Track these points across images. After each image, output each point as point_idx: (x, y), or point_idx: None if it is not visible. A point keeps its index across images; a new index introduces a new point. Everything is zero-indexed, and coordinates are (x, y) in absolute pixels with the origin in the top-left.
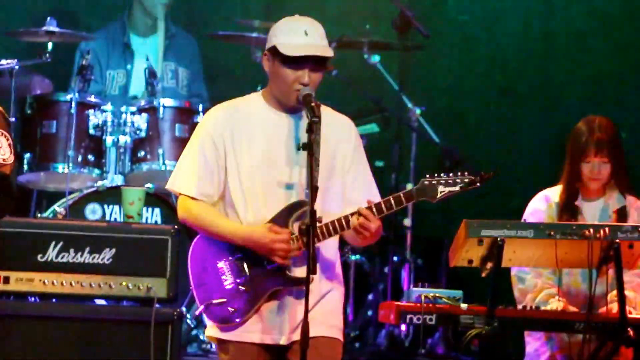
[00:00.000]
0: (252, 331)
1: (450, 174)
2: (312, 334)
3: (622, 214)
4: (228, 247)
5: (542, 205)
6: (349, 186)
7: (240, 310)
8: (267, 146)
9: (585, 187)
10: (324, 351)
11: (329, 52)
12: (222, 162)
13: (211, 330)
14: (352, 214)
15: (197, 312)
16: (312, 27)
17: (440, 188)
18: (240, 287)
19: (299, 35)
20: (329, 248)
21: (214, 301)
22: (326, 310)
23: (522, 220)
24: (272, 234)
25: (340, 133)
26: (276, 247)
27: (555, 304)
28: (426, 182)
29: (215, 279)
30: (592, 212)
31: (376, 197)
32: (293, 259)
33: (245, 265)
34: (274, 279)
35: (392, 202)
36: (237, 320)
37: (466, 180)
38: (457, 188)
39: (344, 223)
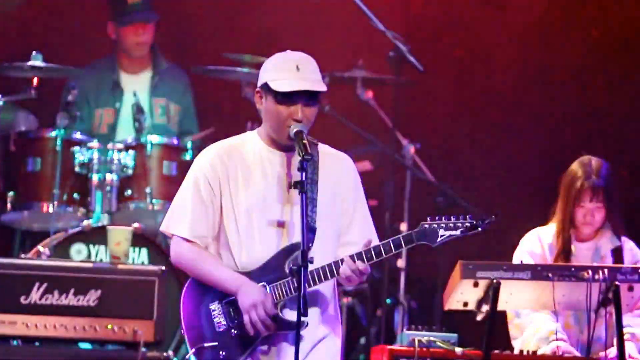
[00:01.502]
0: None
1: (452, 217)
2: None
3: (618, 253)
4: (221, 289)
5: (537, 247)
6: (347, 227)
7: (232, 354)
8: (262, 185)
9: (578, 231)
10: None
11: (321, 87)
12: (218, 203)
13: None
14: (340, 262)
15: (187, 356)
16: (303, 62)
17: (441, 232)
18: (232, 330)
19: (291, 70)
20: (325, 290)
21: (206, 344)
22: (321, 357)
23: (516, 259)
24: (265, 298)
25: (339, 172)
26: (259, 309)
27: (555, 344)
28: (426, 226)
29: (207, 322)
30: (583, 253)
31: (374, 238)
32: (289, 301)
33: (238, 309)
34: None
35: (391, 245)
36: None
37: (467, 224)
38: (457, 232)
39: (333, 269)
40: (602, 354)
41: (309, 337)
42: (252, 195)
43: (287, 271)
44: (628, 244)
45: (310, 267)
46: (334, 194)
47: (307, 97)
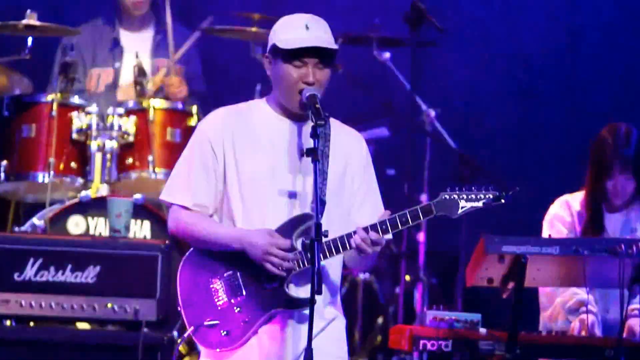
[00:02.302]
0: (249, 358)
1: (473, 188)
2: None
3: None
4: (223, 263)
5: (566, 214)
6: (356, 208)
7: (235, 333)
8: (270, 154)
9: (609, 202)
10: None
11: (332, 45)
12: (221, 171)
13: (203, 355)
14: (354, 233)
15: (185, 335)
16: (313, 21)
17: (462, 203)
18: (235, 307)
19: (300, 29)
20: (333, 270)
21: (206, 322)
22: (332, 338)
23: (545, 233)
24: (272, 238)
25: (350, 148)
26: (273, 251)
27: (584, 316)
28: (446, 196)
29: (208, 298)
30: (613, 224)
31: (384, 215)
32: (295, 277)
33: (241, 283)
34: (273, 299)
35: (408, 216)
36: (232, 345)
37: (490, 195)
38: (479, 204)
39: (345, 242)
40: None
41: (317, 317)
42: (259, 163)
43: (294, 243)
44: None
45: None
46: (344, 170)
47: (319, 57)
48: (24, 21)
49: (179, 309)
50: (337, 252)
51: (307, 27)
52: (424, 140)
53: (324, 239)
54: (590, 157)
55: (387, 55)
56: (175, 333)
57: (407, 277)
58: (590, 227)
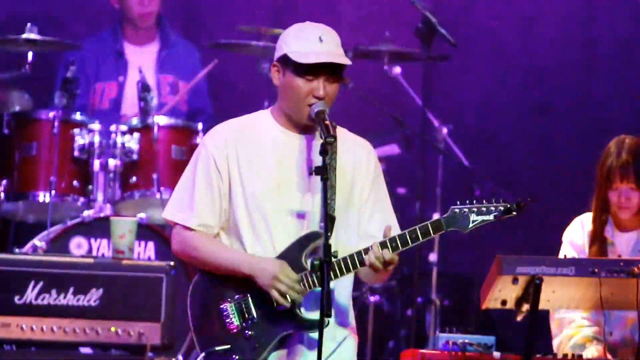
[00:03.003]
0: None
1: (484, 201)
2: None
3: None
4: (233, 286)
5: (579, 235)
6: (366, 218)
7: (246, 358)
8: (276, 170)
9: (617, 217)
10: None
11: (346, 60)
12: (226, 189)
13: None
14: (364, 251)
15: None
16: (326, 33)
17: (473, 217)
18: (246, 331)
19: (313, 41)
20: (343, 289)
21: (217, 348)
22: (342, 359)
23: (561, 253)
24: (283, 267)
25: (358, 159)
26: (281, 278)
27: (594, 349)
28: (456, 210)
29: (219, 323)
30: (625, 244)
31: (395, 228)
32: (305, 299)
33: (252, 307)
34: (283, 322)
35: (418, 232)
36: None
37: (501, 208)
38: (491, 217)
39: (356, 260)
40: None
41: (328, 339)
42: (265, 181)
43: (304, 263)
44: None
45: (342, 256)
46: (352, 181)
47: (330, 71)
48: (24, 35)
49: (190, 334)
50: (349, 270)
51: (320, 40)
52: (436, 158)
53: (334, 259)
54: (597, 170)
55: (397, 69)
56: (180, 357)
57: (419, 299)
58: (595, 243)
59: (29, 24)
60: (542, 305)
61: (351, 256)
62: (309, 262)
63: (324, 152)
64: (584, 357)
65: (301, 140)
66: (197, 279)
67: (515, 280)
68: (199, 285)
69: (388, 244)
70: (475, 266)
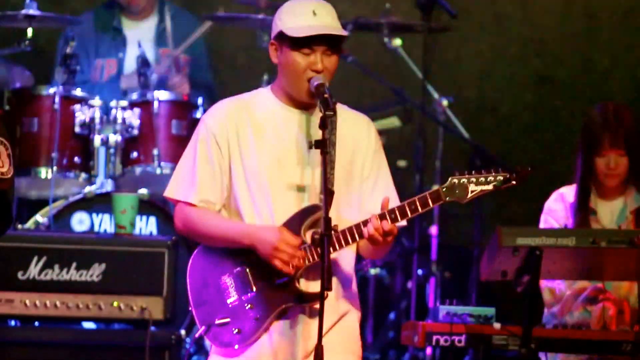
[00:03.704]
0: (260, 356)
1: (483, 171)
2: None
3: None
4: (231, 259)
5: (558, 205)
6: (367, 195)
7: (247, 331)
8: (276, 146)
9: (601, 185)
10: None
11: (342, 32)
12: (226, 165)
13: (215, 357)
14: (364, 223)
15: (196, 335)
16: (320, 7)
17: (472, 187)
18: (246, 304)
19: (307, 15)
20: (345, 261)
21: (217, 321)
22: (344, 334)
23: (541, 225)
24: (282, 234)
25: (358, 134)
26: (281, 247)
27: (604, 308)
28: (455, 181)
29: (218, 296)
30: (609, 213)
31: (395, 203)
32: (305, 271)
33: (251, 279)
34: (283, 294)
35: (418, 204)
36: (243, 342)
37: (500, 177)
38: (490, 187)
39: (355, 232)
40: None
41: (329, 312)
42: (265, 156)
43: (303, 236)
44: None
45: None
46: (352, 157)
47: (327, 45)
48: (24, 11)
49: (190, 308)
50: (348, 243)
51: (314, 13)
52: (436, 130)
53: (334, 232)
54: (580, 138)
55: (398, 42)
56: (182, 331)
57: (419, 272)
58: (581, 212)
59: (27, 0)
60: (543, 276)
61: (350, 229)
62: (309, 234)
63: (323, 125)
64: (592, 315)
65: (301, 116)
66: (195, 255)
67: (515, 252)
68: (197, 260)
69: (387, 216)
70: (475, 238)
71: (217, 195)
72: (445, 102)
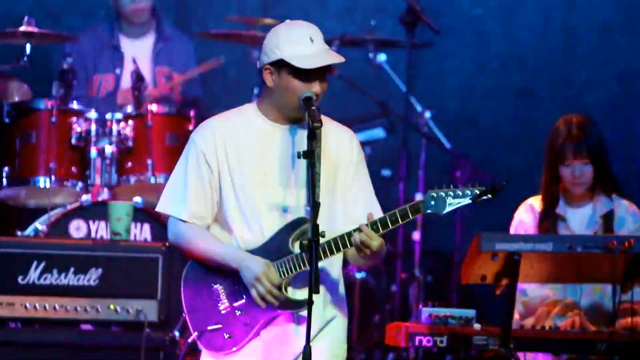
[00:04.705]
0: (250, 357)
1: (459, 185)
2: None
3: (608, 219)
4: (223, 270)
5: (528, 216)
6: (351, 203)
7: (237, 336)
8: (264, 161)
9: (569, 193)
10: None
11: (341, 58)
12: (216, 182)
13: (206, 356)
14: (354, 231)
15: (189, 340)
16: (314, 33)
17: (449, 200)
18: (236, 311)
19: (305, 43)
20: (332, 268)
21: (209, 327)
22: (331, 338)
23: (511, 231)
24: (267, 269)
25: (341, 145)
26: (262, 280)
27: (572, 318)
28: (433, 194)
29: (210, 303)
30: (579, 219)
31: (378, 213)
32: (293, 279)
33: (242, 288)
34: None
35: (398, 215)
36: (234, 347)
37: (476, 191)
38: (467, 200)
39: (346, 240)
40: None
41: (316, 318)
42: (252, 173)
43: (290, 247)
44: (631, 208)
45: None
46: (335, 168)
47: (323, 70)
48: (22, 28)
49: (184, 315)
50: (337, 251)
51: (311, 40)
52: (419, 141)
53: (321, 239)
54: (546, 149)
55: (382, 57)
56: (177, 333)
57: (403, 275)
58: (548, 220)
59: (26, 17)
60: (521, 280)
61: (340, 237)
62: (296, 245)
63: (311, 136)
64: (562, 327)
65: (287, 131)
66: (190, 264)
67: (494, 256)
68: (191, 269)
69: (369, 227)
70: (456, 244)
71: (207, 210)
72: (427, 114)
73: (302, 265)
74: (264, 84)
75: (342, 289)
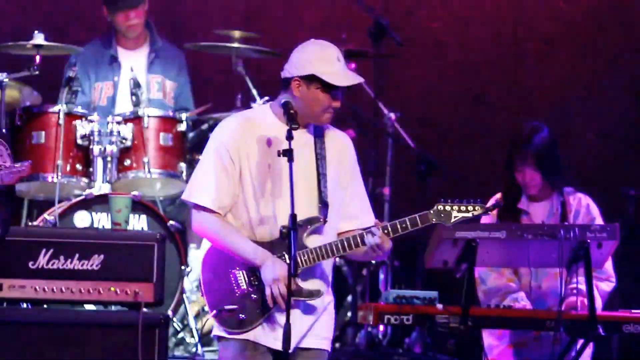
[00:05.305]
0: (257, 337)
1: (464, 201)
2: (307, 345)
3: (563, 211)
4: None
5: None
6: (348, 201)
7: (251, 317)
8: (278, 160)
9: (525, 191)
10: None
11: (362, 79)
12: (237, 175)
13: (220, 330)
14: (366, 233)
15: (208, 317)
16: (339, 54)
17: (454, 213)
18: (252, 295)
19: (335, 63)
20: (329, 262)
21: (226, 307)
22: (326, 323)
23: None
24: (285, 273)
25: (341, 150)
26: (280, 283)
27: (517, 305)
28: (440, 207)
29: (228, 286)
30: (540, 212)
31: (370, 212)
32: (304, 272)
33: (258, 275)
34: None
35: (408, 223)
36: (248, 327)
37: (478, 208)
38: (469, 214)
39: (358, 241)
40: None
41: (320, 303)
42: (269, 167)
43: (304, 242)
44: (585, 200)
45: (334, 238)
46: (337, 170)
47: (345, 87)
48: (32, 41)
49: (202, 295)
50: (350, 249)
51: (338, 60)
52: (386, 141)
53: (335, 239)
54: (506, 154)
55: (352, 66)
56: (170, 313)
57: (373, 261)
58: (508, 213)
59: (36, 32)
60: (478, 264)
61: (354, 237)
62: (309, 240)
63: (289, 137)
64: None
65: (300, 135)
66: (209, 250)
67: (454, 243)
68: (210, 254)
69: (382, 230)
70: (421, 232)
71: (230, 201)
72: (393, 117)
73: (316, 258)
74: (285, 91)
75: (331, 275)
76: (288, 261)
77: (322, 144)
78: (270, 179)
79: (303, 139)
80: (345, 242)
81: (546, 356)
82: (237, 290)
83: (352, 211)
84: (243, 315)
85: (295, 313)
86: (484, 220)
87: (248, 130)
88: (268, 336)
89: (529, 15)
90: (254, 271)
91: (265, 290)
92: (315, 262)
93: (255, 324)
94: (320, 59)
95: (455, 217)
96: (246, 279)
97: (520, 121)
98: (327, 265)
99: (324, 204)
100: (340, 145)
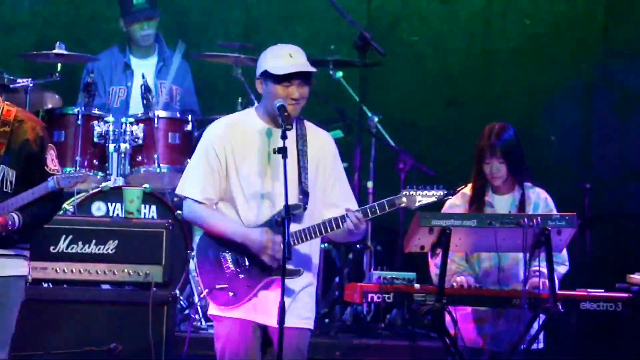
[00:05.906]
0: (247, 313)
1: (427, 187)
2: (290, 324)
3: (522, 204)
4: (231, 241)
5: (459, 201)
6: (329, 190)
7: (240, 294)
8: (260, 156)
9: (491, 184)
10: (297, 340)
11: (311, 68)
12: (224, 171)
13: (213, 309)
14: (346, 215)
15: (201, 296)
16: (295, 51)
17: (419, 198)
18: (240, 274)
19: (285, 57)
20: (313, 246)
21: (217, 286)
22: (307, 302)
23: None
24: (267, 234)
25: (322, 146)
26: (269, 245)
27: (459, 279)
28: (406, 192)
29: (219, 267)
30: (503, 205)
31: (352, 199)
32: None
33: (245, 258)
34: (269, 269)
35: (376, 207)
36: (237, 303)
37: (440, 193)
38: (433, 199)
39: (339, 222)
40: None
41: (300, 282)
42: (252, 164)
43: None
44: (543, 194)
45: (313, 222)
46: (317, 164)
47: (301, 78)
48: (54, 51)
49: (196, 276)
50: (331, 230)
51: (290, 56)
52: (370, 140)
53: (317, 221)
54: (474, 149)
55: (340, 74)
56: (177, 291)
57: (358, 246)
58: (474, 204)
59: (58, 42)
60: (452, 249)
61: (335, 219)
62: (292, 225)
63: (284, 136)
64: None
65: (277, 132)
66: (202, 236)
67: (431, 230)
68: (204, 240)
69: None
70: (401, 220)
71: (216, 194)
72: (376, 119)
73: (298, 240)
74: (247, 94)
75: (316, 260)
76: (282, 246)
77: (304, 141)
78: (256, 173)
79: (286, 135)
80: (323, 225)
81: (504, 332)
82: (226, 271)
83: (334, 200)
84: (232, 293)
85: (276, 292)
86: (457, 210)
87: (233, 130)
88: (257, 313)
89: (498, 30)
90: (240, 254)
91: (251, 270)
92: (298, 243)
93: (244, 300)
94: (271, 57)
95: (419, 201)
96: (234, 261)
97: (490, 122)
98: (311, 250)
99: (304, 194)
100: (321, 141)
